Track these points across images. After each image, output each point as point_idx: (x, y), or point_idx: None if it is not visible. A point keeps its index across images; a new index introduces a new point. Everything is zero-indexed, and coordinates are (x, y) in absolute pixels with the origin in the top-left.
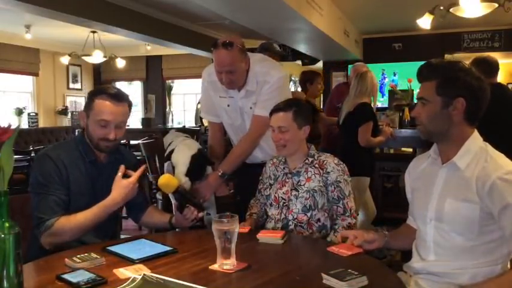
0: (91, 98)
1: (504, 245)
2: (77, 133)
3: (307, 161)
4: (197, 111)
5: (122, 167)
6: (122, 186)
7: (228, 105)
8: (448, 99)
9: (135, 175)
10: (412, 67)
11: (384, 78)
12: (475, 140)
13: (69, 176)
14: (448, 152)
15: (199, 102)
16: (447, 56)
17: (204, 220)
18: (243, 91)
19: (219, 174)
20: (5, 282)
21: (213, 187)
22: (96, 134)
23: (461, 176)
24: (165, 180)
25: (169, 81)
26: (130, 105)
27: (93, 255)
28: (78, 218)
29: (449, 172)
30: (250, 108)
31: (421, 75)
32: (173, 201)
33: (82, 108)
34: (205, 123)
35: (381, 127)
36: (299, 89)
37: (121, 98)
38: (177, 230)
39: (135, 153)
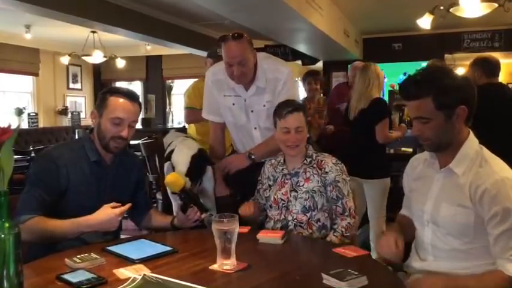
0: (104, 96)
1: None
2: (77, 133)
3: (305, 161)
4: None
5: (116, 204)
6: (105, 213)
7: (234, 104)
8: (449, 111)
9: (121, 209)
10: (413, 67)
11: (384, 78)
12: (471, 143)
13: (69, 176)
14: (445, 156)
15: None
16: (447, 56)
17: (204, 220)
18: (253, 88)
19: (247, 154)
20: (5, 282)
21: (237, 164)
22: (108, 132)
23: (456, 181)
24: (173, 178)
25: (169, 81)
26: (140, 105)
27: (93, 255)
28: (50, 224)
29: (446, 177)
30: (264, 106)
31: (409, 94)
32: (174, 201)
33: (82, 108)
34: None
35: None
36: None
37: (135, 97)
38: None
39: (135, 153)
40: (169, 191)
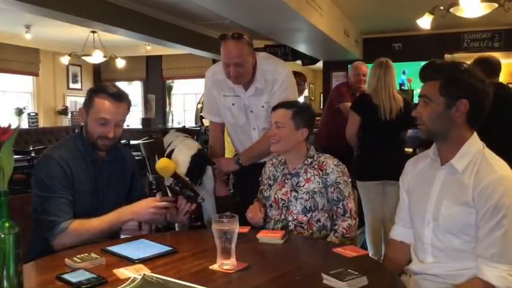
0: (91, 95)
1: None
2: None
3: (306, 161)
4: (197, 111)
5: (159, 198)
6: (146, 201)
7: (233, 104)
8: (451, 100)
9: (164, 201)
10: (412, 67)
11: None
12: (474, 142)
13: (73, 176)
14: (446, 153)
15: (199, 102)
16: (447, 56)
17: (204, 220)
18: (252, 89)
19: (236, 159)
20: (5, 282)
21: (226, 167)
22: (95, 132)
23: (458, 179)
24: (164, 163)
25: (169, 81)
26: (129, 104)
27: (93, 255)
28: (93, 223)
29: (448, 174)
30: (262, 107)
31: (425, 74)
32: (170, 194)
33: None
34: (206, 123)
35: None
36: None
37: (121, 98)
38: (176, 229)
39: (135, 153)
40: (169, 192)
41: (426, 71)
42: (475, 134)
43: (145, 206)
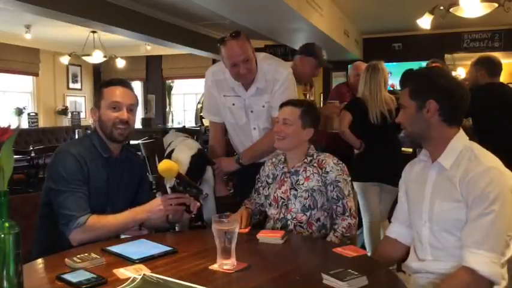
0: (99, 91)
1: None
2: (77, 133)
3: (306, 160)
4: (197, 111)
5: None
6: (157, 200)
7: (234, 104)
8: (420, 102)
9: (174, 197)
10: (412, 67)
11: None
12: (460, 139)
13: (89, 172)
14: (434, 153)
15: (199, 102)
16: (447, 56)
17: (204, 220)
18: (253, 88)
19: (236, 158)
20: (5, 282)
21: (226, 167)
22: (109, 119)
23: (447, 177)
24: (166, 165)
25: (169, 81)
26: (133, 90)
27: (93, 255)
28: (109, 220)
29: (438, 173)
30: (263, 106)
31: (400, 84)
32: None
33: (82, 108)
34: (206, 123)
35: None
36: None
37: (126, 83)
38: (176, 229)
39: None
40: (168, 190)
41: (400, 80)
42: (461, 131)
43: (157, 204)
